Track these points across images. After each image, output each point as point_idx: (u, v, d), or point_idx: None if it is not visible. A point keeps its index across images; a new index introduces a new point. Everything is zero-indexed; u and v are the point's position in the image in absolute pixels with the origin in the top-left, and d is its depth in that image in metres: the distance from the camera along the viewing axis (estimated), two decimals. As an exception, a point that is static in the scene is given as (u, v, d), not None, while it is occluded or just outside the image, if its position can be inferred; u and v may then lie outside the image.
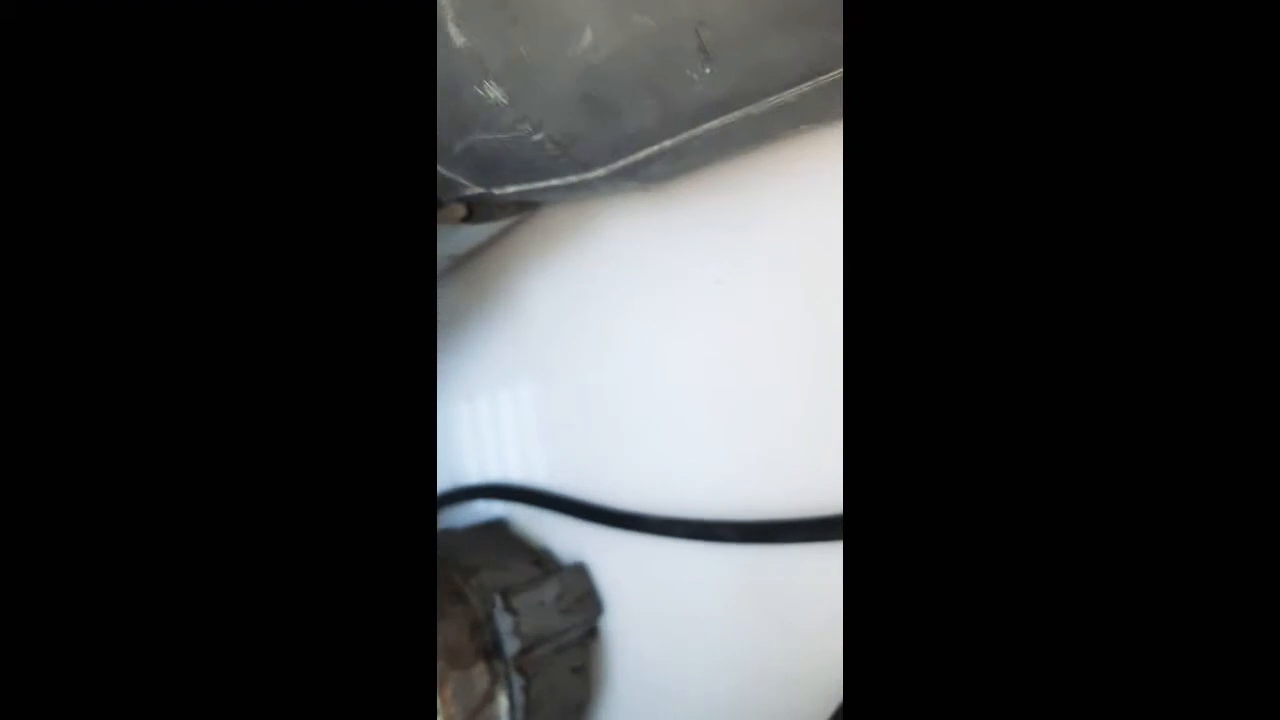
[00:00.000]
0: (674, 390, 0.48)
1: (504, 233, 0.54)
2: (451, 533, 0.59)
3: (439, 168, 0.32)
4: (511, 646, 0.48)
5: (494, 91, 0.26)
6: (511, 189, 0.34)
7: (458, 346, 0.66)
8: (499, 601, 0.48)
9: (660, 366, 0.48)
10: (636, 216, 0.47)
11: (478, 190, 0.35)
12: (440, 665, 0.47)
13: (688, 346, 0.46)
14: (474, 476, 0.66)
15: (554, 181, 0.33)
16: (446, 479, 0.69)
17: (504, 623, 0.48)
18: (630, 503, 0.53)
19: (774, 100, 0.25)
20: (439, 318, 0.64)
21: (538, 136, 0.28)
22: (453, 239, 0.44)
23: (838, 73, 0.23)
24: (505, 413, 0.63)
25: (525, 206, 0.48)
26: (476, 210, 0.44)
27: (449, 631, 0.48)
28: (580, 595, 0.54)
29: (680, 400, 0.47)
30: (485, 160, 0.30)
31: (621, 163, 0.30)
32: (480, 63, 0.25)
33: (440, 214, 0.42)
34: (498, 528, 0.60)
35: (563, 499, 0.56)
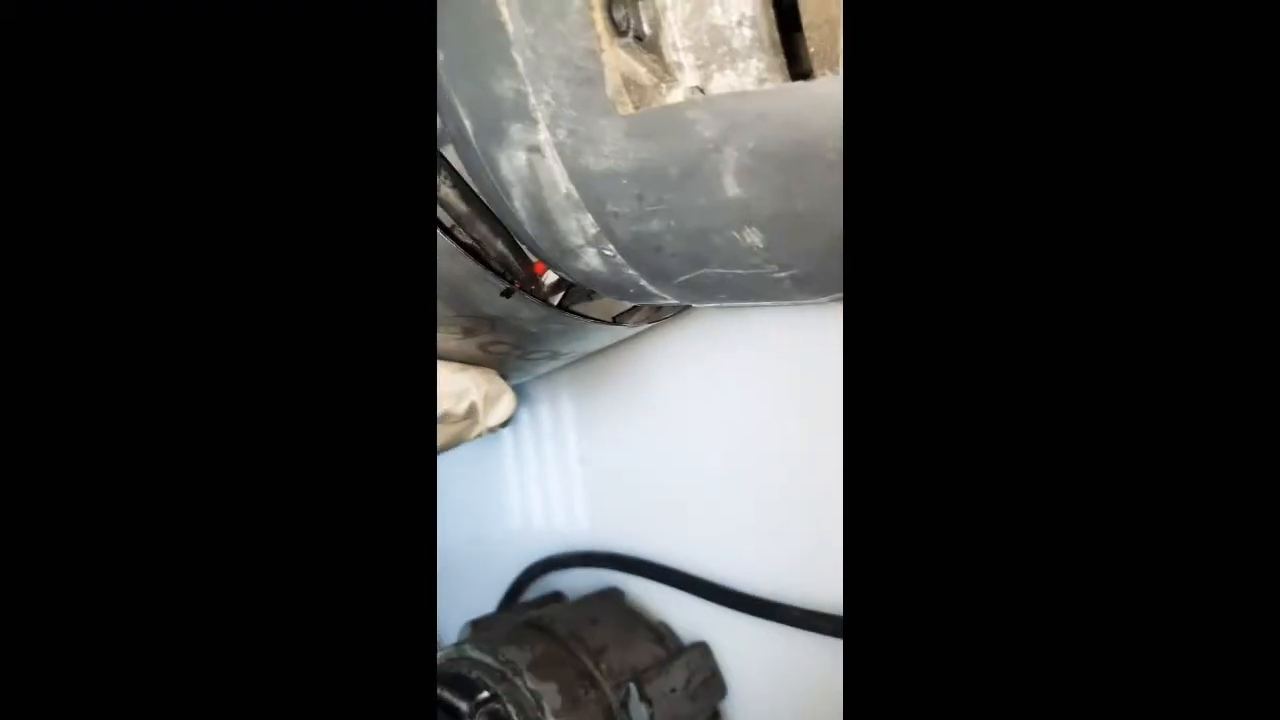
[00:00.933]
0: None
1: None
2: (568, 604, 0.58)
3: (651, 289, 0.31)
4: (647, 738, 0.47)
5: (752, 237, 0.25)
6: (711, 305, 0.33)
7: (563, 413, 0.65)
8: (634, 691, 0.47)
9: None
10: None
11: (664, 302, 0.34)
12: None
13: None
14: (554, 541, 0.65)
15: (765, 303, 0.31)
16: (529, 543, 0.68)
17: (638, 713, 0.47)
18: (739, 582, 0.52)
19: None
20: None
21: (780, 275, 0.27)
22: (601, 337, 0.42)
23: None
24: (601, 480, 0.62)
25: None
26: (643, 311, 0.43)
27: None
28: (705, 678, 0.53)
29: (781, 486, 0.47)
30: (707, 287, 0.29)
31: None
32: (747, 211, 0.24)
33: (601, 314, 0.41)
34: (613, 599, 0.58)
35: (685, 575, 0.55)
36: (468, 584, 0.69)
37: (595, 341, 0.42)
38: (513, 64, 0.24)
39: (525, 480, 0.69)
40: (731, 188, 0.23)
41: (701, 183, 0.23)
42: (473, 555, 0.72)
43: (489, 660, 0.49)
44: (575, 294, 0.38)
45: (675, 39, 0.23)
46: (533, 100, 0.24)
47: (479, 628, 0.56)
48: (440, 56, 0.25)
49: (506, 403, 0.41)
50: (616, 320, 0.40)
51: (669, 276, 0.28)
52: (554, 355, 0.41)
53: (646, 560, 0.57)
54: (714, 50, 0.22)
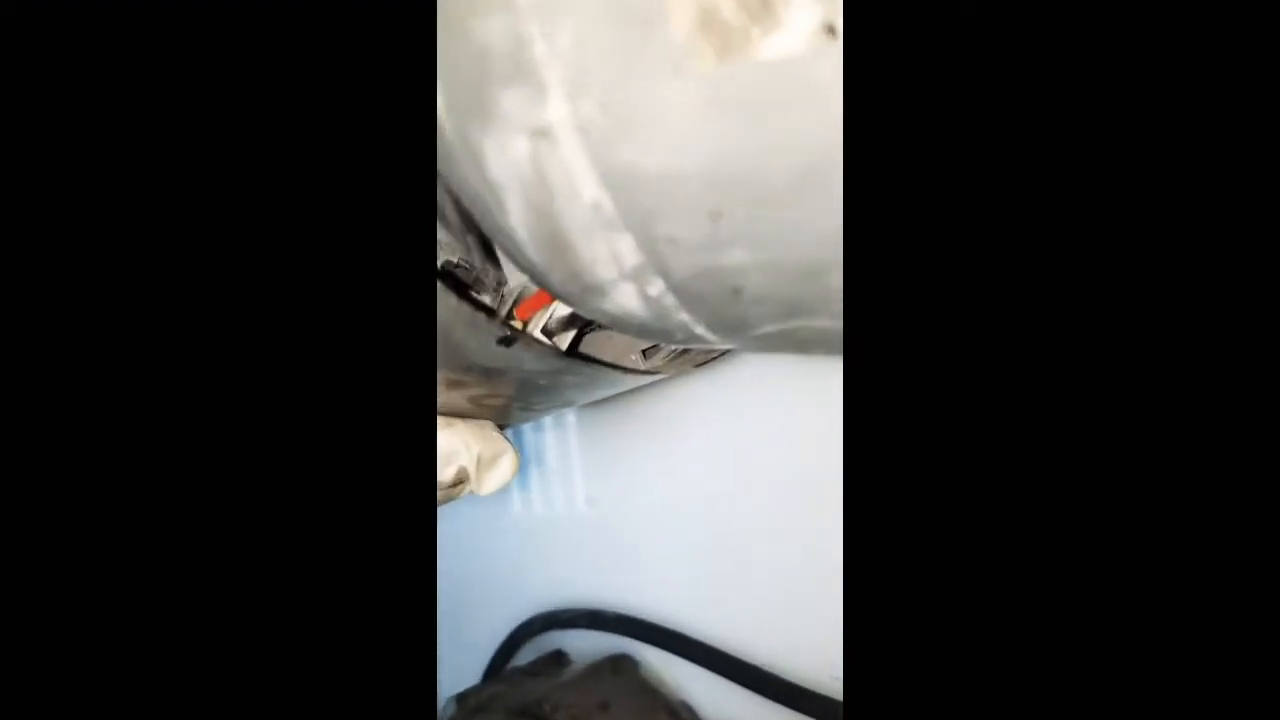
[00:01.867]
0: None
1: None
2: (573, 679, 0.49)
3: (709, 336, 0.21)
4: None
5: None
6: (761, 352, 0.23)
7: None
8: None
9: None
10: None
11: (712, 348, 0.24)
12: None
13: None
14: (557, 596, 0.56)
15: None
16: (524, 594, 0.59)
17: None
18: (769, 660, 0.43)
19: None
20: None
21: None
22: (624, 384, 0.33)
23: None
24: (611, 528, 0.53)
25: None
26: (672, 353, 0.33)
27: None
28: (736, 774, 0.44)
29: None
30: (801, 341, 0.20)
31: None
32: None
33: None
34: (625, 669, 0.49)
35: (711, 650, 0.46)
36: (450, 639, 0.60)
37: (613, 388, 0.33)
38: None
39: (521, 520, 0.59)
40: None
41: (829, 192, 0.14)
42: (457, 604, 0.63)
43: (477, 765, 0.40)
44: (588, 329, 0.29)
45: None
46: (540, 49, 0.14)
47: (466, 708, 0.47)
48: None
49: (506, 465, 0.32)
50: (630, 362, 0.31)
51: (745, 328, 0.19)
52: (566, 404, 0.32)
53: (666, 628, 0.48)
54: None
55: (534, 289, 0.27)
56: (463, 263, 0.25)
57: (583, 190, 0.16)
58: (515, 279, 0.28)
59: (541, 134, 0.15)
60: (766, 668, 0.44)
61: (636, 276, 0.18)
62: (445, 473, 0.30)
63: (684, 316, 0.20)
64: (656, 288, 0.18)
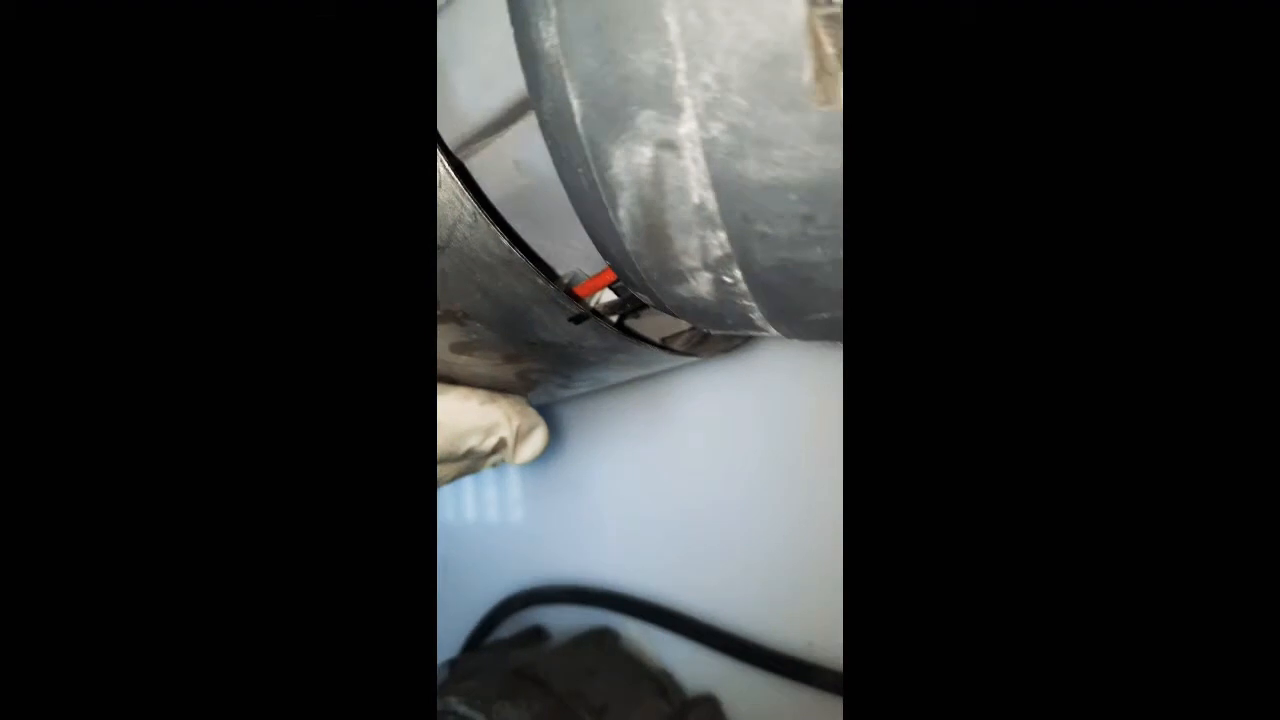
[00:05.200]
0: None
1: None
2: (559, 649, 0.52)
3: (761, 323, 0.25)
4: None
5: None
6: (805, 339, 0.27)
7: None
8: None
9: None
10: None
11: (751, 335, 0.28)
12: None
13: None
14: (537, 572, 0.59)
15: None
16: (507, 569, 0.61)
17: (649, 785, 0.42)
18: (749, 629, 0.47)
19: None
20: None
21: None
22: (655, 363, 0.36)
23: None
24: (592, 505, 0.56)
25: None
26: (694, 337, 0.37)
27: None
28: (715, 737, 0.48)
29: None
30: (838, 326, 0.24)
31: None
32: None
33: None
34: (608, 641, 0.52)
35: (693, 622, 0.50)
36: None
37: (647, 368, 0.36)
38: (663, 29, 0.17)
39: (506, 497, 0.62)
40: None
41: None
42: (440, 577, 0.65)
43: (480, 719, 0.42)
44: (631, 313, 0.32)
45: None
46: (683, 80, 0.18)
47: (459, 672, 0.50)
48: (552, 12, 0.19)
49: (539, 437, 0.35)
50: (666, 344, 0.34)
51: (801, 313, 0.23)
52: (598, 382, 0.35)
53: (647, 601, 0.52)
54: None
55: (585, 276, 0.30)
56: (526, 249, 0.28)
57: (692, 192, 0.20)
58: (563, 268, 0.32)
59: (668, 146, 0.19)
60: (743, 635, 0.48)
61: (718, 266, 0.22)
62: (487, 441, 0.33)
63: (747, 303, 0.23)
64: (734, 277, 0.22)
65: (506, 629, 0.60)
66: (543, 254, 0.30)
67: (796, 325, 0.24)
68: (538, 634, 0.58)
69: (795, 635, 0.46)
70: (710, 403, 0.49)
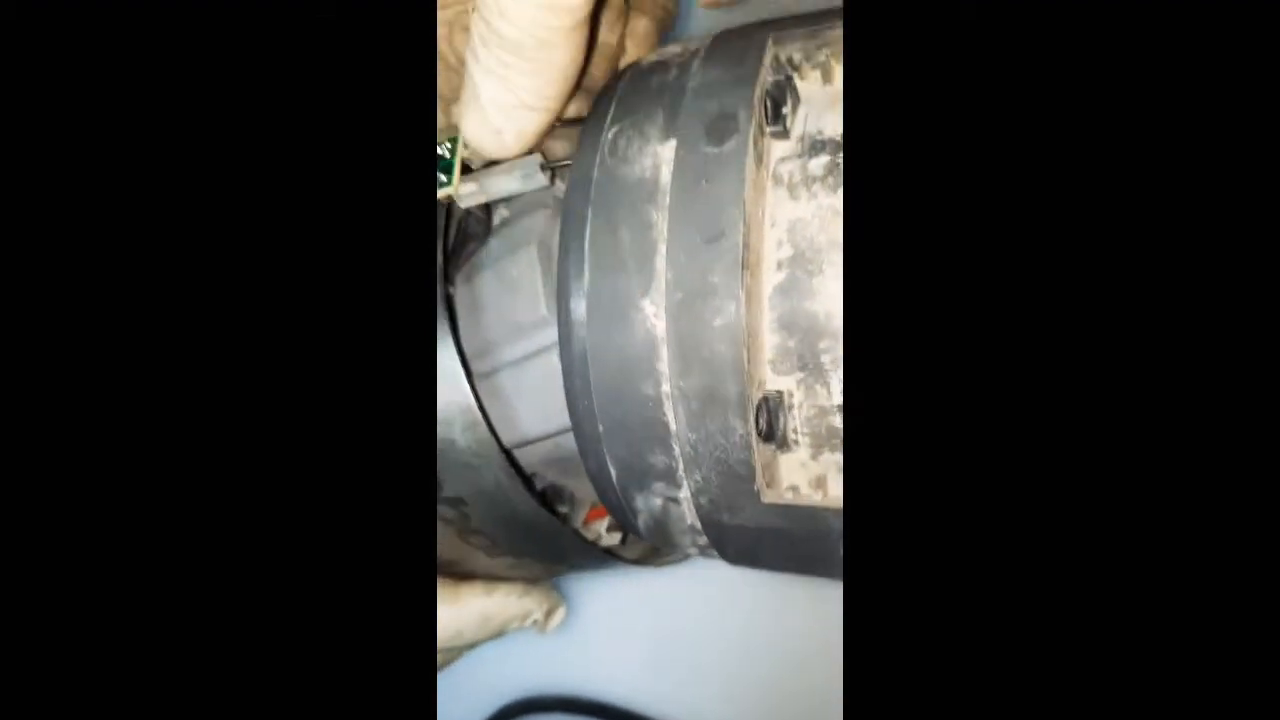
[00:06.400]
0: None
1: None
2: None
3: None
4: None
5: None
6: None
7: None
8: None
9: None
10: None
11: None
12: None
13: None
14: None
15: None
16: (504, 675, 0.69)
17: None
18: None
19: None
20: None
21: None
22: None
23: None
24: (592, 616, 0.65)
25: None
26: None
27: None
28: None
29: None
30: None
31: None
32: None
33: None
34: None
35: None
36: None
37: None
38: (670, 450, 0.29)
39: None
40: (841, 550, 0.30)
41: (817, 544, 0.30)
42: (438, 683, 0.72)
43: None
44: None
45: (799, 429, 0.29)
46: (681, 474, 0.30)
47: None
48: (600, 428, 0.31)
49: (561, 613, 0.46)
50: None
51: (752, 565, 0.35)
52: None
53: (637, 713, 0.61)
54: (828, 440, 0.29)
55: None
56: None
57: (687, 519, 0.32)
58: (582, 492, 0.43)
59: (673, 500, 0.31)
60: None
61: (704, 550, 0.34)
62: (523, 625, 0.44)
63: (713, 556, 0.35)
64: (713, 552, 0.34)
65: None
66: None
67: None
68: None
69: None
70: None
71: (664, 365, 0.28)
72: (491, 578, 0.43)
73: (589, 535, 0.42)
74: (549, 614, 0.45)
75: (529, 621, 0.45)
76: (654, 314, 0.28)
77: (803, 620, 0.53)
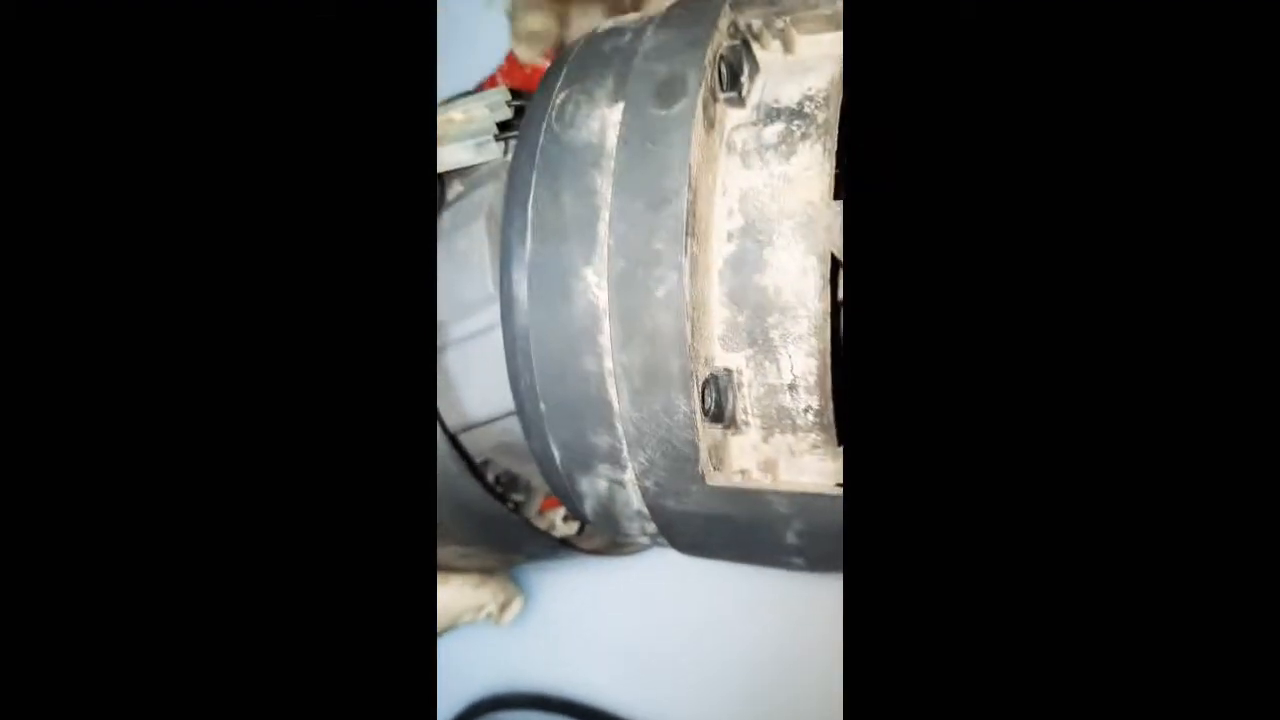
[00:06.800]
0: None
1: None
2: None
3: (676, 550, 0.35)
4: None
5: (798, 560, 0.30)
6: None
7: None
8: None
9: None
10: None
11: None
12: None
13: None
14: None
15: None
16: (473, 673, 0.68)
17: None
18: None
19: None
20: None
21: (801, 563, 0.32)
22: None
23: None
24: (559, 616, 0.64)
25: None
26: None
27: None
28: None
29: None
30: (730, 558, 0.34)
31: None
32: (800, 551, 0.29)
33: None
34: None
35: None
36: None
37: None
38: (613, 429, 0.28)
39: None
40: (790, 538, 0.28)
41: (765, 532, 0.28)
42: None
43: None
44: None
45: (748, 409, 0.28)
46: (626, 455, 0.28)
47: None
48: (542, 407, 0.29)
49: (517, 604, 0.44)
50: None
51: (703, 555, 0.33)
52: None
53: (606, 711, 0.60)
54: (779, 420, 0.28)
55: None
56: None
57: (633, 504, 0.30)
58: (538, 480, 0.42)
59: (618, 483, 0.30)
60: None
61: (653, 536, 0.32)
62: (477, 617, 0.43)
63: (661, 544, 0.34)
64: (662, 540, 0.32)
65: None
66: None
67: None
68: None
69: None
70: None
71: (606, 339, 0.27)
72: (443, 568, 0.42)
73: (543, 524, 0.41)
74: (504, 607, 0.44)
75: (483, 614, 0.43)
76: (596, 284, 0.27)
77: (772, 614, 0.53)
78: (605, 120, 0.28)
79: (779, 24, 0.30)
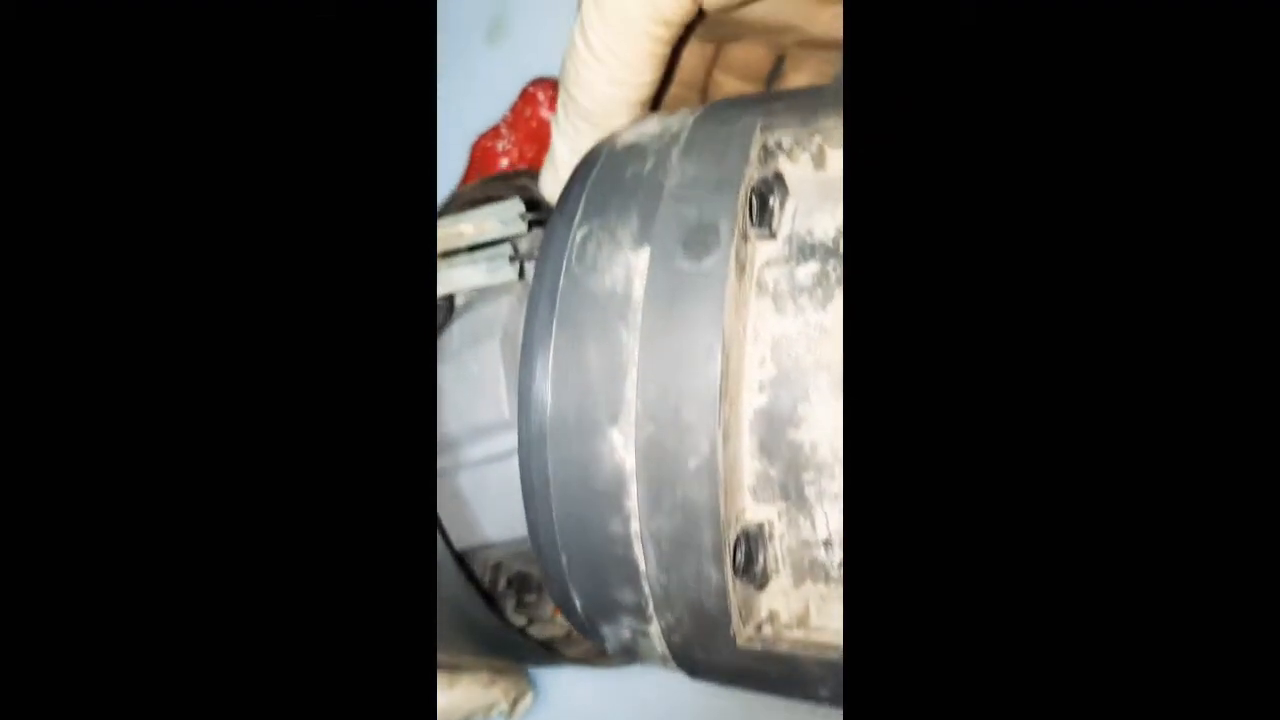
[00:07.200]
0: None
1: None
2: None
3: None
4: None
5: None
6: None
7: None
8: None
9: None
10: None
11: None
12: None
13: None
14: None
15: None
16: None
17: None
18: None
19: None
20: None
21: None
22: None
23: None
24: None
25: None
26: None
27: None
28: None
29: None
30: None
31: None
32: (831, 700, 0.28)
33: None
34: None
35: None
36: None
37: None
38: (639, 588, 0.27)
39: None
40: (823, 692, 0.27)
41: (797, 688, 0.27)
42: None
43: None
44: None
45: (779, 558, 0.27)
46: (651, 612, 0.27)
47: None
48: (563, 558, 0.28)
49: (528, 700, 0.43)
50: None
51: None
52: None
53: None
54: (811, 571, 0.27)
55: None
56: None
57: (658, 651, 0.29)
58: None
59: (643, 635, 0.28)
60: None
61: (672, 667, 0.31)
62: (489, 715, 0.42)
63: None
64: (679, 673, 0.31)
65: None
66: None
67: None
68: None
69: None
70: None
71: (633, 503, 0.26)
72: (452, 666, 0.41)
73: (557, 627, 0.39)
74: (515, 702, 0.43)
75: (495, 712, 0.42)
76: (623, 445, 0.26)
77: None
78: (630, 267, 0.26)
79: (814, 142, 0.28)
